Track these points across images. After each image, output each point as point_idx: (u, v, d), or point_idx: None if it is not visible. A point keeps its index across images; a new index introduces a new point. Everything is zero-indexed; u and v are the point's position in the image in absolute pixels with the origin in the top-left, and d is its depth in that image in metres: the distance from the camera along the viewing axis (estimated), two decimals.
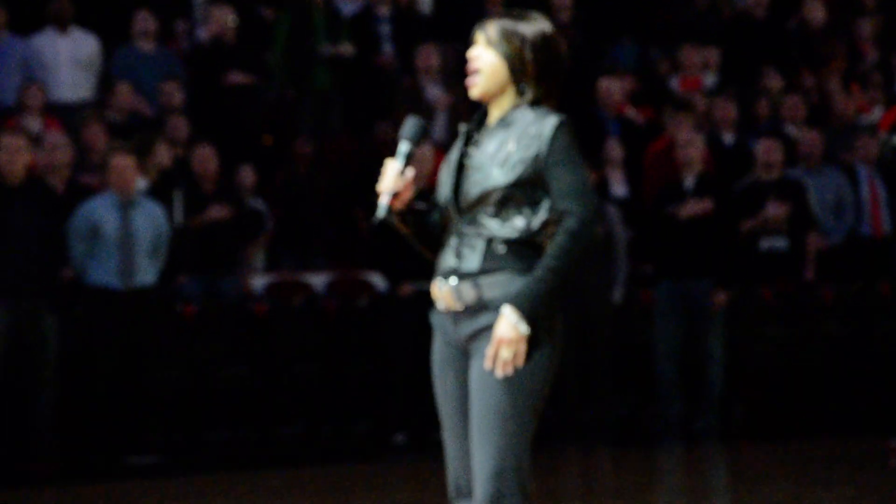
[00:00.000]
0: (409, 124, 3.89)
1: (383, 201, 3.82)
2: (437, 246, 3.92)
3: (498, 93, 3.87)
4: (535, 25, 3.87)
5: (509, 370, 3.73)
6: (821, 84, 12.03)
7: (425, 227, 3.92)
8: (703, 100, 11.24)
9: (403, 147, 3.86)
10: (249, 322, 9.69)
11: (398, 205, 3.84)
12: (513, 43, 3.84)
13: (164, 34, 11.10)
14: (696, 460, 9.22)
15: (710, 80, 11.86)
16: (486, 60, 3.86)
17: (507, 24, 3.86)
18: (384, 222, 3.84)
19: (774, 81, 11.69)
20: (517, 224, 3.80)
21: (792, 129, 11.15)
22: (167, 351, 9.22)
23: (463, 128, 3.94)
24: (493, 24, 3.87)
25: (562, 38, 3.92)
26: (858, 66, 12.38)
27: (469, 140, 3.91)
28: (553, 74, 3.88)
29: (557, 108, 3.90)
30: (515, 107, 3.86)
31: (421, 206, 3.90)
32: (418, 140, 3.88)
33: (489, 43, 3.86)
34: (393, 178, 3.82)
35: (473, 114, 3.97)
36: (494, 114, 3.90)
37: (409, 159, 3.85)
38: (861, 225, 10.73)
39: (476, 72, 3.86)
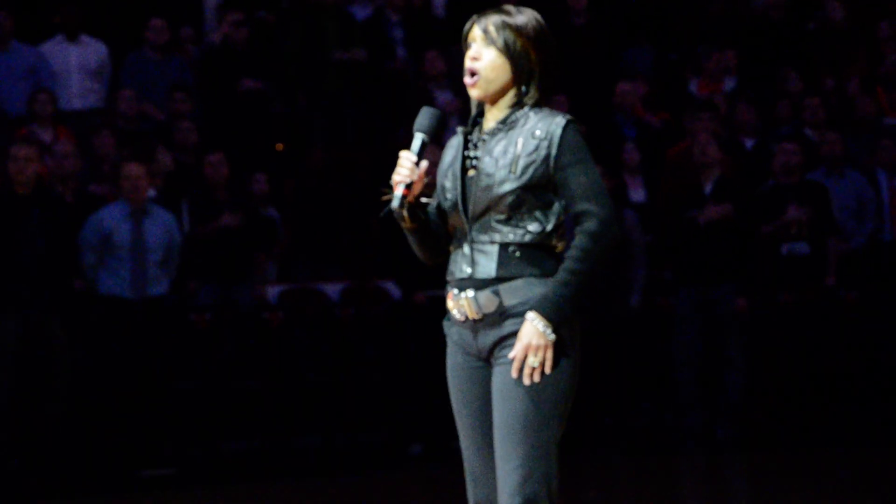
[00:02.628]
0: (424, 115, 3.78)
1: (398, 192, 3.71)
2: (434, 245, 3.83)
3: (500, 94, 3.76)
4: (532, 20, 3.74)
5: (537, 377, 3.66)
6: (841, 86, 11.91)
7: (427, 224, 3.82)
8: (723, 103, 11.14)
9: (418, 138, 3.76)
10: (263, 331, 9.65)
11: (410, 197, 3.74)
12: (517, 42, 3.72)
13: (173, 41, 11.05)
14: (717, 469, 9.15)
15: (728, 83, 11.77)
16: (488, 60, 3.73)
17: (508, 20, 3.72)
18: (391, 215, 3.74)
19: (794, 84, 11.58)
20: (531, 228, 3.71)
21: (812, 132, 11.04)
22: (180, 361, 9.17)
23: (460, 131, 3.83)
24: (493, 21, 3.73)
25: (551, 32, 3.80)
26: (879, 67, 12.25)
27: (468, 144, 3.80)
28: (553, 71, 3.77)
29: (566, 109, 3.79)
30: (516, 108, 3.75)
31: (427, 200, 3.81)
32: (434, 131, 3.77)
33: (490, 42, 3.73)
34: (409, 168, 3.71)
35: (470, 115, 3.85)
36: (493, 114, 3.78)
37: (424, 150, 3.75)
38: (882, 229, 10.60)
39: (477, 72, 3.73)
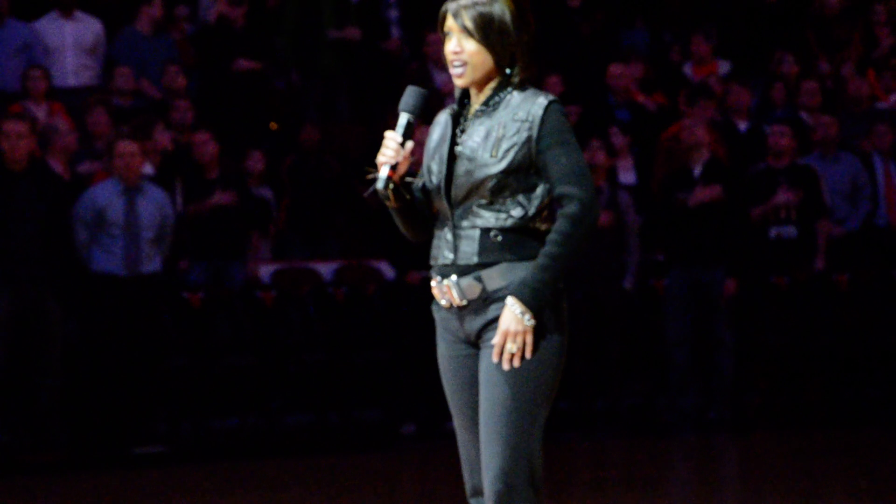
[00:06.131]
0: (409, 95, 3.74)
1: (383, 173, 3.68)
2: (419, 224, 3.80)
3: (486, 79, 3.72)
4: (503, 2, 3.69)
5: (516, 363, 3.62)
6: (836, 70, 11.89)
7: (413, 203, 3.79)
8: (717, 86, 11.11)
9: (403, 118, 3.72)
10: (256, 310, 9.62)
11: (395, 178, 3.70)
12: (494, 26, 3.66)
13: (167, 18, 11.00)
14: (709, 450, 9.15)
15: (723, 65, 11.73)
16: (469, 52, 3.68)
17: (482, 6, 3.66)
18: (376, 194, 3.71)
19: (789, 67, 11.55)
20: (513, 212, 3.67)
21: (807, 116, 11.02)
22: (173, 339, 9.15)
23: (447, 113, 3.78)
24: (466, 10, 3.67)
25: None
26: (874, 51, 12.24)
27: (456, 127, 3.76)
28: (529, 45, 3.72)
29: (560, 90, 3.74)
30: (500, 89, 3.71)
31: (412, 180, 3.78)
32: (419, 111, 3.73)
33: (468, 33, 3.68)
34: (394, 149, 3.69)
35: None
36: (479, 97, 3.74)
37: (410, 131, 3.71)
38: (876, 213, 10.58)
39: (461, 64, 3.69)
